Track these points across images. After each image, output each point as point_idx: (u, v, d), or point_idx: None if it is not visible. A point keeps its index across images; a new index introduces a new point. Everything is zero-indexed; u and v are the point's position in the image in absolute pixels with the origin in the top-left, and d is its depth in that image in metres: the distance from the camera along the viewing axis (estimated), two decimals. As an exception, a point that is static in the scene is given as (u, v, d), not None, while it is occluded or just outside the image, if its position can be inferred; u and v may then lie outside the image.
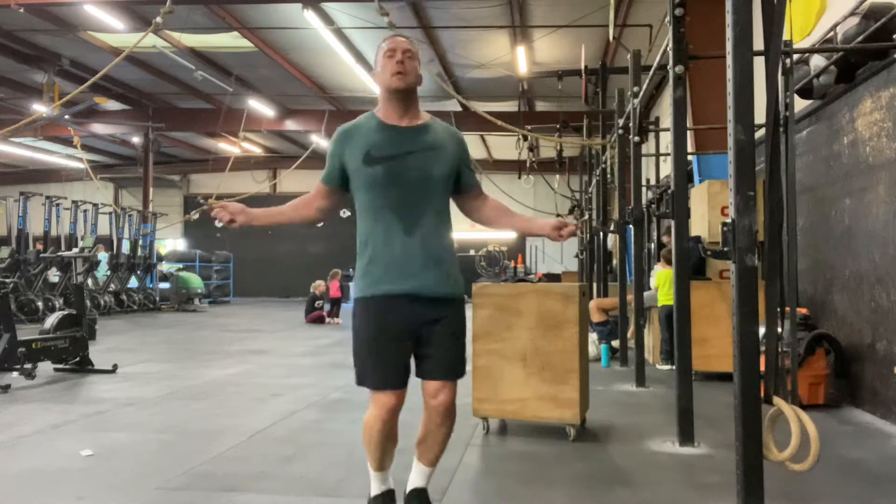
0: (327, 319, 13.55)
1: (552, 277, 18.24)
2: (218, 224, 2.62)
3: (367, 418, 2.53)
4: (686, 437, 3.95)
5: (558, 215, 15.68)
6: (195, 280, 19.33)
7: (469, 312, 4.40)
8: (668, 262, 7.12)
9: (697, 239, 6.99)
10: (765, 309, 2.77)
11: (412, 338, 2.49)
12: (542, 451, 3.91)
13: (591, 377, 4.65)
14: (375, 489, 2.66)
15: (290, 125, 19.05)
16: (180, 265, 21.38)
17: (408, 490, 2.68)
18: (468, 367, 4.23)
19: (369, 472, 2.67)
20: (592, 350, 7.17)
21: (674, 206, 4.13)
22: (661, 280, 7.03)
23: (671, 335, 6.81)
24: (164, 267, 20.47)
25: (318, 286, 13.75)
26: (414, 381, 2.56)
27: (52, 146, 22.20)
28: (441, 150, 2.55)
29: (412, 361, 2.56)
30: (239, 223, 2.60)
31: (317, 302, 13.62)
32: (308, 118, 18.86)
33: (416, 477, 2.67)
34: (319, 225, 26.96)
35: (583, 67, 11.30)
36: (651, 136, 11.29)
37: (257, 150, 24.23)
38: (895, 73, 4.51)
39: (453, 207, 2.68)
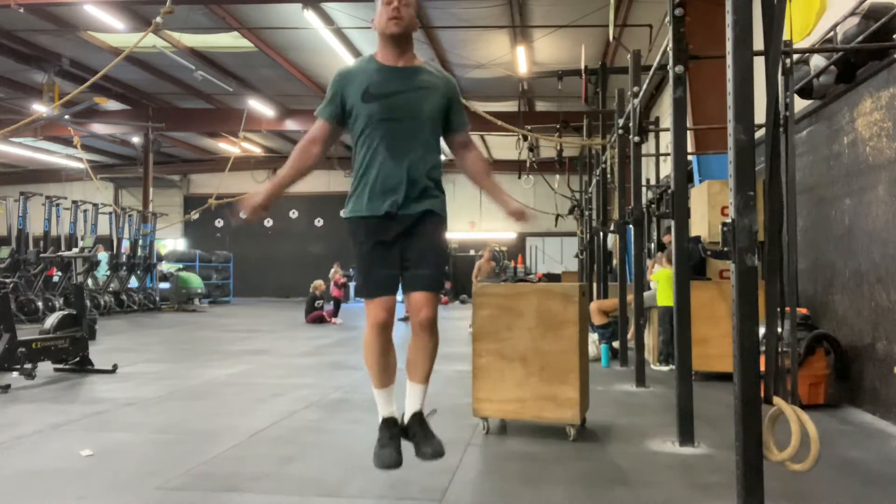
0: (332, 319, 13.54)
1: (552, 277, 18.23)
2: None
3: (364, 337, 2.81)
4: (686, 437, 3.95)
5: (558, 216, 15.75)
6: (195, 280, 19.32)
7: (469, 312, 4.40)
8: (670, 262, 7.12)
9: (697, 239, 6.99)
10: (765, 309, 2.77)
11: (397, 254, 2.75)
12: (542, 451, 3.90)
13: (591, 377, 4.65)
14: (381, 411, 2.85)
15: (290, 125, 19.06)
16: (180, 265, 21.37)
17: (406, 417, 2.84)
18: (468, 368, 4.25)
19: (374, 395, 2.86)
20: (592, 350, 7.16)
21: (674, 206, 4.13)
22: (660, 279, 7.03)
23: (671, 336, 6.81)
24: (164, 267, 20.46)
25: (318, 286, 13.75)
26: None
27: (52, 146, 22.18)
28: (432, 89, 2.81)
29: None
30: (262, 213, 2.81)
31: (317, 302, 13.61)
32: (308, 118, 18.84)
33: (410, 401, 2.86)
34: (319, 224, 26.66)
35: (583, 67, 11.29)
36: (651, 136, 11.28)
37: (257, 150, 24.23)
38: (895, 73, 4.51)
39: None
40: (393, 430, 2.80)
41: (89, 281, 15.20)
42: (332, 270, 15.00)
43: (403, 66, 2.80)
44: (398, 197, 2.71)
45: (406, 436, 2.81)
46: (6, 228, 16.87)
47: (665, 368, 6.84)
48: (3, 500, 3.08)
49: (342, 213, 2.88)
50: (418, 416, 2.83)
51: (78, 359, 6.72)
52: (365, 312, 2.81)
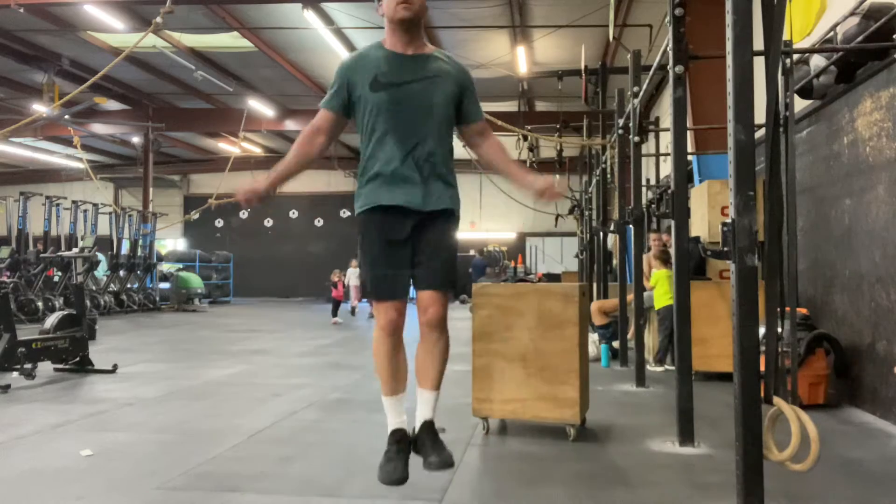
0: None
1: (552, 277, 18.22)
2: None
3: (374, 339, 2.68)
4: (686, 437, 3.95)
5: (559, 216, 15.74)
6: (195, 280, 19.32)
7: (468, 312, 4.40)
8: (663, 262, 7.10)
9: (696, 240, 6.97)
10: (765, 309, 2.77)
11: (408, 251, 2.63)
12: (542, 451, 3.90)
13: (591, 377, 4.65)
14: (391, 423, 2.70)
15: (290, 125, 19.04)
16: (180, 265, 21.37)
17: (417, 426, 2.69)
18: (468, 368, 4.25)
19: (384, 403, 2.71)
20: (592, 350, 7.16)
21: (674, 206, 4.13)
22: (657, 281, 7.00)
23: (670, 335, 6.80)
24: (164, 267, 20.45)
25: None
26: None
27: (52, 146, 22.18)
28: (444, 78, 2.69)
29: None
30: (259, 202, 2.70)
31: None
32: (308, 118, 18.52)
33: (421, 408, 2.70)
34: (319, 224, 26.50)
35: (583, 67, 11.29)
36: (651, 136, 11.28)
37: (257, 150, 24.24)
38: (895, 73, 4.51)
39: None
40: (401, 444, 2.64)
41: (89, 281, 15.20)
42: (332, 275, 15.05)
43: (413, 54, 2.67)
44: (409, 189, 2.59)
45: (415, 447, 2.65)
46: (6, 228, 16.88)
47: (659, 369, 6.84)
48: (3, 500, 3.08)
49: (355, 207, 2.72)
50: (429, 426, 2.67)
51: (78, 359, 6.72)
52: (374, 313, 2.68)
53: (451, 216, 2.70)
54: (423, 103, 2.62)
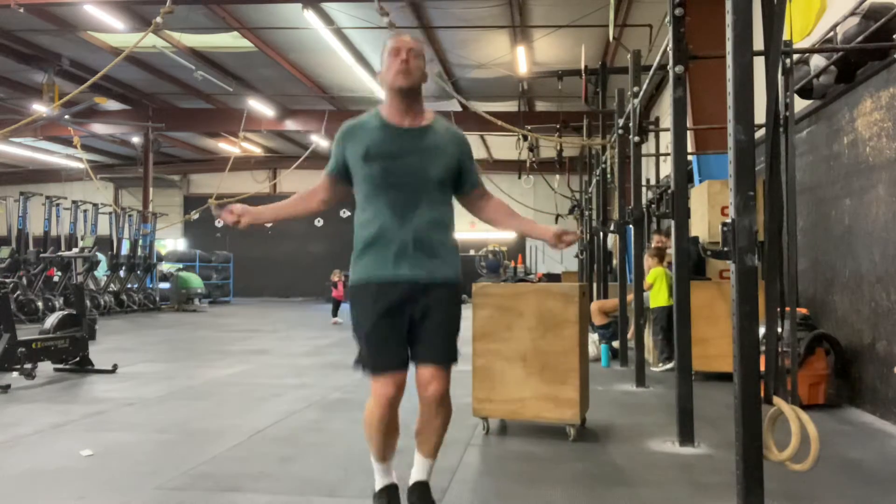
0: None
1: (552, 277, 18.24)
2: (218, 224, 2.67)
3: (367, 408, 2.58)
4: (686, 437, 3.95)
5: (558, 216, 15.75)
6: (195, 280, 19.33)
7: (469, 312, 4.40)
8: (660, 260, 7.08)
9: (695, 240, 6.97)
10: (765, 309, 2.77)
11: (406, 323, 2.54)
12: (541, 451, 3.90)
13: (591, 377, 4.65)
14: (379, 483, 2.69)
15: (290, 125, 19.06)
16: (180, 265, 21.38)
17: (409, 484, 2.70)
18: (468, 367, 4.25)
19: (372, 464, 2.70)
20: (592, 350, 7.15)
21: (674, 206, 4.13)
22: (654, 278, 6.98)
23: (668, 335, 6.78)
24: (164, 267, 20.46)
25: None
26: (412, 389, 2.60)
27: (52, 146, 22.20)
28: (440, 152, 2.61)
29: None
30: (244, 224, 2.67)
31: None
32: (308, 118, 18.86)
33: (416, 470, 2.70)
34: (319, 224, 26.59)
35: (583, 67, 11.29)
36: (651, 136, 11.29)
37: (257, 150, 24.23)
38: (895, 73, 4.51)
39: (458, 210, 2.73)
40: (393, 499, 2.65)
41: (89, 281, 15.21)
42: (333, 275, 15.07)
43: (409, 127, 2.59)
44: (405, 262, 2.51)
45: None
46: (6, 228, 16.90)
47: (668, 366, 6.82)
48: (3, 500, 3.08)
49: (350, 275, 2.66)
50: (422, 486, 2.65)
51: (78, 359, 6.72)
52: (371, 386, 2.56)
53: (452, 286, 2.61)
54: (417, 177, 2.55)
